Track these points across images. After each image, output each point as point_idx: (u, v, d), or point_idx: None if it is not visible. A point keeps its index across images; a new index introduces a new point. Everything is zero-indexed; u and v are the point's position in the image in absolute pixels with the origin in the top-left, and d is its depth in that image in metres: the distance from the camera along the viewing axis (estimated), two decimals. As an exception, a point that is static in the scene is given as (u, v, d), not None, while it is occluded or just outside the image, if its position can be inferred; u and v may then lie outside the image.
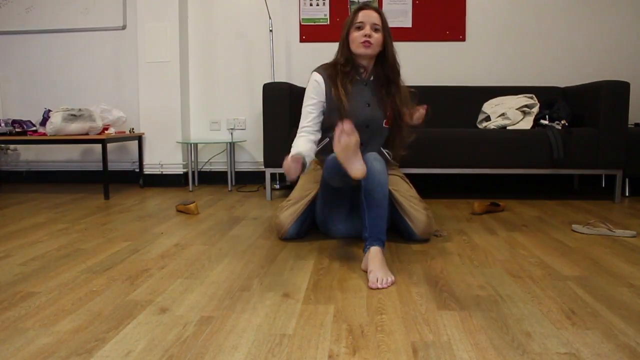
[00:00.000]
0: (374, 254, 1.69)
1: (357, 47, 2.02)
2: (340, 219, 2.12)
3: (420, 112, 2.14)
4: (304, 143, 2.02)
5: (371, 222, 1.77)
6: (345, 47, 2.07)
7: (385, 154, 2.19)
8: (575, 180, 3.66)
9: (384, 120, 2.11)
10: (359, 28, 2.01)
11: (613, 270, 1.70)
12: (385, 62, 2.07)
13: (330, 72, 2.09)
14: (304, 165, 1.88)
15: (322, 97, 2.08)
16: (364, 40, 1.99)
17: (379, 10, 2.04)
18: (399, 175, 2.19)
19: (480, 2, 3.71)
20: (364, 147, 2.07)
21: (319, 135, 2.11)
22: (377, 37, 2.01)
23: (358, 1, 3.74)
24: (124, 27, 3.91)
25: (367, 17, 2.01)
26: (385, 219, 1.81)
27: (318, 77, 2.10)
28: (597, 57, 3.69)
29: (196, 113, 3.94)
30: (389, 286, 1.56)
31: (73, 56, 3.98)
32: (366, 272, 1.67)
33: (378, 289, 1.55)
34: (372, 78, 2.11)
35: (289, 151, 1.92)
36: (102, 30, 3.92)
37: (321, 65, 2.15)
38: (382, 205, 1.80)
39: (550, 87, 3.50)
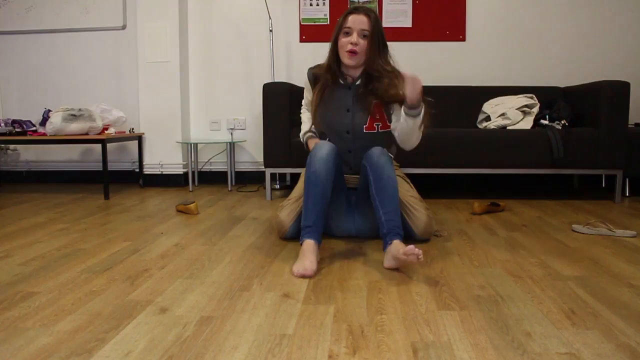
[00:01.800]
0: (399, 245, 1.69)
1: (342, 56, 1.97)
2: (340, 217, 2.12)
3: (408, 80, 1.78)
4: (305, 125, 2.23)
5: (387, 217, 1.78)
6: (332, 52, 2.02)
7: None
8: (575, 180, 3.66)
9: (364, 126, 2.03)
10: (347, 34, 1.94)
11: (613, 270, 1.70)
12: (372, 68, 1.98)
13: (317, 75, 2.09)
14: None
15: (308, 100, 2.18)
16: (349, 49, 1.92)
17: (370, 14, 1.94)
18: (400, 175, 2.19)
19: (480, 2, 3.71)
20: (352, 153, 2.07)
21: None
22: (363, 44, 1.93)
23: (358, 1, 3.74)
24: (124, 27, 3.91)
25: (356, 22, 1.92)
26: (398, 212, 1.81)
27: (306, 79, 2.17)
28: (597, 57, 3.69)
29: (196, 113, 3.94)
30: (418, 257, 1.57)
31: (73, 56, 3.98)
32: (389, 269, 1.71)
33: (409, 259, 1.59)
34: (357, 82, 2.04)
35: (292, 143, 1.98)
36: (102, 30, 3.92)
37: (316, 65, 2.15)
38: (394, 199, 1.82)
39: (550, 87, 3.50)
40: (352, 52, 1.93)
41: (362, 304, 1.41)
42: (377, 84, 1.98)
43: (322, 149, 1.88)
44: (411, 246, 1.58)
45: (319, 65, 2.13)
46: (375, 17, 1.96)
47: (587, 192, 3.42)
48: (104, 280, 1.63)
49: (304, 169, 2.28)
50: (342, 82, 2.06)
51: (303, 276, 1.65)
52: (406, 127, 1.89)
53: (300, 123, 2.29)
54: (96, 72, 3.97)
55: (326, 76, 2.04)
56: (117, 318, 1.32)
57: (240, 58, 3.87)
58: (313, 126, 2.19)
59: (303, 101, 2.29)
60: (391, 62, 2.02)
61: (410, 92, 1.77)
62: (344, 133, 2.03)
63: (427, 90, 3.45)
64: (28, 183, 4.07)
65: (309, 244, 1.77)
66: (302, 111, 2.31)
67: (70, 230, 2.36)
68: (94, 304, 1.42)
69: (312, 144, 2.09)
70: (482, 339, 1.18)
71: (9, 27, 3.98)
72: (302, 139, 2.23)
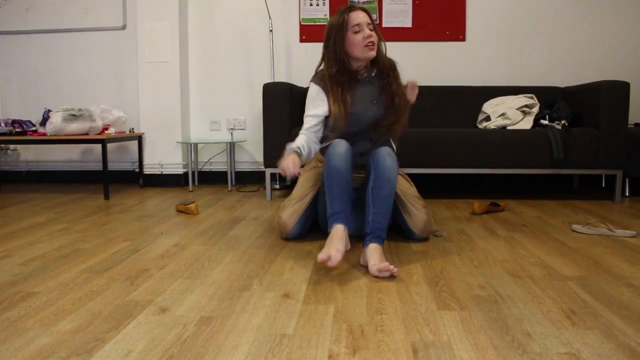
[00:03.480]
0: (374, 250, 1.72)
1: (362, 52, 1.98)
2: None
3: (411, 86, 2.03)
4: (300, 139, 2.05)
5: (374, 218, 1.80)
6: (337, 55, 1.99)
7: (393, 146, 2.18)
8: (575, 180, 3.66)
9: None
10: (357, 31, 1.96)
11: (613, 271, 1.70)
12: (380, 57, 2.06)
13: (326, 82, 2.03)
14: (300, 156, 1.94)
15: (322, 109, 2.06)
16: (368, 42, 1.96)
17: (365, 9, 2.02)
18: (400, 174, 2.20)
19: (480, 2, 3.71)
20: (372, 142, 2.09)
21: (317, 142, 2.10)
22: (375, 36, 2.00)
23: (358, 1, 3.74)
24: (124, 27, 3.91)
25: (361, 18, 1.98)
26: (387, 216, 1.83)
27: (316, 89, 2.07)
28: (597, 57, 3.69)
29: (196, 113, 3.94)
30: (391, 274, 1.62)
31: (73, 56, 3.98)
32: (364, 266, 1.73)
33: (382, 276, 1.62)
34: (373, 74, 2.08)
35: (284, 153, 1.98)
36: (102, 30, 3.93)
37: (316, 75, 2.10)
38: (387, 202, 1.82)
39: (550, 87, 3.50)
40: (372, 45, 1.98)
41: (362, 304, 1.41)
42: (393, 80, 2.06)
43: (339, 146, 1.87)
44: (385, 263, 1.62)
45: (318, 75, 2.09)
46: (370, 12, 2.06)
47: (587, 192, 3.42)
48: (104, 280, 1.63)
49: (303, 169, 2.29)
50: (359, 77, 2.07)
51: (323, 262, 1.62)
52: None
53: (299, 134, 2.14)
54: (96, 72, 3.97)
55: (342, 79, 2.02)
56: (117, 318, 1.32)
57: (240, 58, 3.87)
58: (300, 144, 2.01)
59: (308, 112, 2.09)
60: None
61: (411, 96, 2.02)
62: (370, 126, 2.05)
63: (428, 90, 3.48)
64: (28, 183, 4.07)
65: (337, 230, 1.75)
66: (307, 120, 2.09)
67: (70, 230, 2.36)
68: (94, 304, 1.42)
69: (288, 154, 1.93)
70: (482, 339, 1.18)
71: (9, 27, 3.98)
72: (287, 147, 2.00)
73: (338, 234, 1.74)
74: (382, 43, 2.06)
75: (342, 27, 1.97)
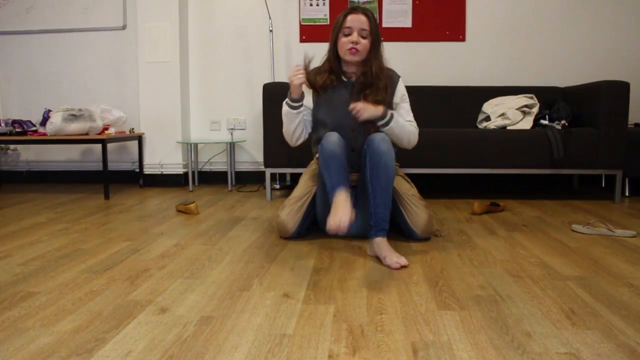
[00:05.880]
0: (379, 244, 1.82)
1: (344, 54, 2.02)
2: None
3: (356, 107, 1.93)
4: None
5: (376, 209, 1.85)
6: (332, 52, 2.07)
7: None
8: (575, 180, 3.66)
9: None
10: (347, 34, 2.00)
11: (613, 270, 1.70)
12: (368, 67, 2.03)
13: (317, 77, 2.08)
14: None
15: (307, 100, 2.11)
16: (350, 47, 1.98)
17: (368, 14, 2.01)
18: (400, 175, 2.20)
19: (480, 2, 3.71)
20: (355, 152, 2.08)
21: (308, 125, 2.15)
22: (364, 43, 1.99)
23: (358, 1, 3.74)
24: (124, 27, 3.91)
25: (355, 21, 1.98)
26: (388, 206, 1.87)
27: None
28: (597, 57, 3.69)
29: (196, 113, 3.94)
30: (405, 265, 1.72)
31: (73, 56, 3.98)
32: (374, 257, 1.84)
33: (402, 267, 1.71)
34: (355, 79, 2.09)
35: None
36: (102, 30, 3.93)
37: (313, 69, 2.13)
38: (387, 190, 1.86)
39: (550, 87, 3.50)
40: (353, 50, 1.99)
41: (362, 304, 1.41)
42: (370, 90, 2.03)
43: (332, 136, 1.92)
44: (398, 260, 1.72)
45: (313, 70, 2.12)
46: (372, 16, 2.03)
47: (587, 192, 3.42)
48: (104, 280, 1.63)
49: (305, 169, 2.29)
50: (344, 79, 2.09)
51: (337, 231, 1.64)
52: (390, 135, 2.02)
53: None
54: (96, 72, 3.97)
55: (331, 77, 2.07)
56: (117, 318, 1.32)
57: (240, 58, 3.87)
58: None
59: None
60: (384, 59, 2.08)
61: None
62: (349, 131, 2.04)
63: (428, 90, 3.48)
64: (28, 183, 4.07)
65: (340, 194, 1.75)
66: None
67: (70, 230, 2.36)
68: (94, 304, 1.42)
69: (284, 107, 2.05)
70: (482, 339, 1.18)
71: (9, 27, 3.98)
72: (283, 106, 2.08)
73: (342, 197, 1.75)
74: (375, 52, 2.01)
75: (337, 28, 2.03)
